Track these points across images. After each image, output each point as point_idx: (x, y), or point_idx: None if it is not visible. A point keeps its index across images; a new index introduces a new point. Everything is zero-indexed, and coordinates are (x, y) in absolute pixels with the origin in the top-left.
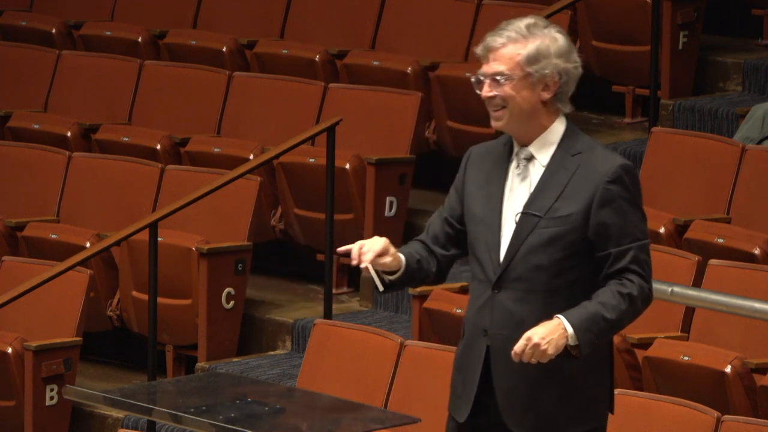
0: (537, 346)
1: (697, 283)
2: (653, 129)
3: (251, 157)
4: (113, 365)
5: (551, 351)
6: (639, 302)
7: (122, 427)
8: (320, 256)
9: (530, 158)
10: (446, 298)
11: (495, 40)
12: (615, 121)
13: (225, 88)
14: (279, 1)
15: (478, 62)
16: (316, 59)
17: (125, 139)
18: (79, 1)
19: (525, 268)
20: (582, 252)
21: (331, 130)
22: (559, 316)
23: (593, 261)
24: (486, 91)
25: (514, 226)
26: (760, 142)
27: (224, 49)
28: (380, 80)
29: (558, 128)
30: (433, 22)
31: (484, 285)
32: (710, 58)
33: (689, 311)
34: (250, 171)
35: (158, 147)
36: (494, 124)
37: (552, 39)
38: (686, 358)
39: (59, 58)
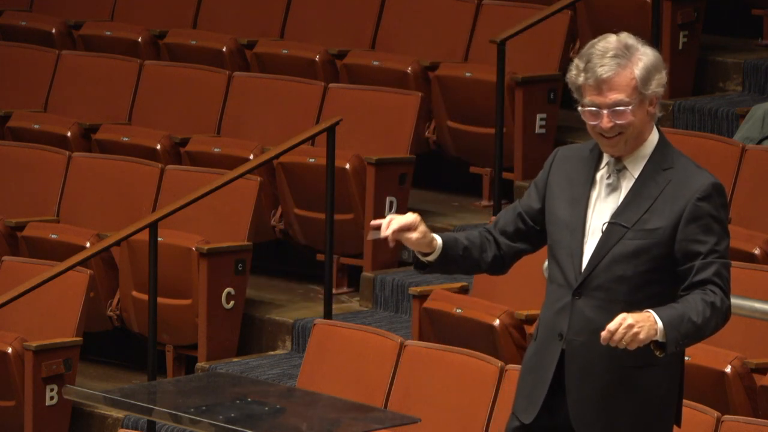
0: (631, 327)
1: None
2: None
3: (251, 157)
4: (113, 365)
5: (642, 336)
6: (720, 314)
7: (122, 427)
8: (320, 256)
9: (622, 169)
10: (446, 298)
11: (605, 70)
12: None
13: (225, 88)
14: (279, 1)
15: (478, 62)
16: (316, 59)
17: (125, 139)
18: (79, 1)
19: (607, 277)
20: (666, 268)
21: (331, 130)
22: (649, 310)
23: (675, 278)
24: (606, 123)
25: (599, 234)
26: (760, 142)
27: (224, 49)
28: (380, 80)
29: (652, 140)
30: (433, 22)
31: (563, 290)
32: (710, 58)
33: None
34: (250, 171)
35: (158, 147)
36: (609, 150)
37: (646, 54)
38: (686, 358)
39: (59, 58)
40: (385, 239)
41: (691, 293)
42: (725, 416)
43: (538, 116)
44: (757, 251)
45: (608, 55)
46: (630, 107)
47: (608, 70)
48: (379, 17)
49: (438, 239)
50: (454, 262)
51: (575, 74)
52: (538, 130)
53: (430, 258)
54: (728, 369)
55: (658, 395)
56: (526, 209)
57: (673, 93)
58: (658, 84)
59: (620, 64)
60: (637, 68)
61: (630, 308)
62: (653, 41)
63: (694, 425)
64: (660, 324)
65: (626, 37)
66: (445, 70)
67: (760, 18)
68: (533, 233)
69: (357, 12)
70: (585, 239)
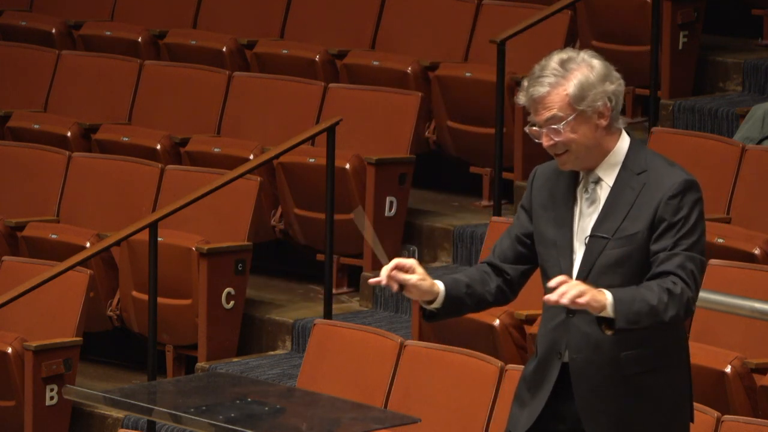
0: (576, 286)
1: None
2: (653, 129)
3: (251, 157)
4: (113, 365)
5: (586, 299)
6: (679, 303)
7: (122, 427)
8: (320, 256)
9: (598, 181)
10: None
11: (537, 90)
12: None
13: (225, 88)
14: (279, 1)
15: (478, 62)
16: (316, 59)
17: (125, 139)
18: (79, 1)
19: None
20: None
21: (331, 130)
22: (601, 289)
23: None
24: (546, 142)
25: (584, 249)
26: (760, 142)
27: (224, 49)
28: (380, 80)
29: (621, 147)
30: (433, 22)
31: (557, 307)
32: (710, 58)
33: None
34: (250, 171)
35: (158, 147)
36: (562, 167)
37: (589, 67)
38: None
39: (59, 58)
40: (389, 286)
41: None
42: (725, 416)
43: None
44: (757, 251)
45: (543, 75)
46: (563, 124)
47: (540, 90)
48: (379, 17)
49: (439, 283)
50: (461, 301)
51: (520, 95)
52: None
53: (435, 305)
54: (728, 369)
55: (670, 398)
56: (523, 231)
57: (673, 93)
58: (597, 98)
59: (552, 83)
60: (571, 85)
61: None
62: (653, 41)
63: (694, 425)
64: (609, 298)
65: (568, 53)
66: (445, 70)
67: (760, 18)
68: (535, 253)
69: (357, 12)
70: (573, 256)
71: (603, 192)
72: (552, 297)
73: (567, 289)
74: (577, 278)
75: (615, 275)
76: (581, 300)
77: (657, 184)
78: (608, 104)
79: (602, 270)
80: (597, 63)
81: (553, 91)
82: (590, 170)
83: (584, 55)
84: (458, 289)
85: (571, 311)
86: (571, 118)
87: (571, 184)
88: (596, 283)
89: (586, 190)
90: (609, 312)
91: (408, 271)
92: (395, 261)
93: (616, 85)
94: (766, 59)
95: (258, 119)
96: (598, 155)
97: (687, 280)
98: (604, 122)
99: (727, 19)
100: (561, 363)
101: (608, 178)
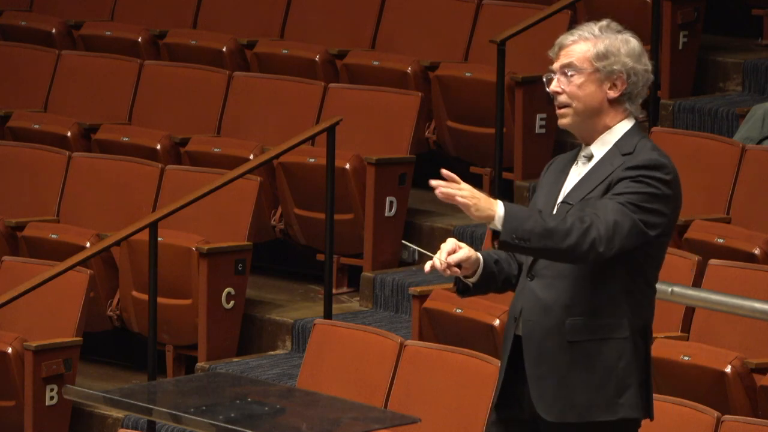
0: (461, 189)
1: (697, 283)
2: (653, 129)
3: (251, 157)
4: (113, 365)
5: (472, 208)
6: (581, 234)
7: (122, 427)
8: (320, 256)
9: (590, 156)
10: (446, 298)
11: (567, 38)
12: None
13: (225, 88)
14: (279, 1)
15: (478, 62)
16: (316, 59)
17: (125, 139)
18: (79, 1)
19: None
20: None
21: (331, 130)
22: (498, 200)
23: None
24: (554, 86)
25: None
26: (760, 142)
27: (224, 49)
28: (380, 80)
29: (620, 129)
30: (433, 22)
31: (523, 275)
32: (710, 58)
33: (689, 311)
34: (250, 171)
35: (158, 147)
36: (560, 122)
37: (624, 41)
38: (686, 358)
39: (59, 58)
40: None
41: None
42: (725, 416)
43: (538, 116)
44: (757, 251)
45: (578, 29)
46: (577, 73)
47: (569, 38)
48: (379, 17)
49: (479, 255)
50: (492, 277)
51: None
52: (538, 130)
53: (474, 278)
54: (728, 369)
55: (615, 369)
56: None
57: (673, 93)
58: (616, 65)
59: (583, 36)
60: (598, 45)
61: (577, 283)
62: (653, 41)
63: (694, 425)
64: (501, 211)
65: (611, 24)
66: (445, 70)
67: (760, 18)
68: None
69: (357, 12)
70: None
71: (590, 166)
72: (434, 182)
73: (449, 190)
74: None
75: None
76: (459, 198)
77: (631, 161)
78: (624, 77)
79: None
80: (633, 41)
81: (580, 43)
82: (587, 145)
83: (626, 33)
84: (490, 264)
85: (531, 275)
86: (584, 70)
87: (570, 163)
88: None
89: (577, 164)
90: (497, 224)
91: (455, 250)
92: (445, 248)
93: (642, 67)
94: (766, 59)
95: (258, 119)
96: (597, 127)
97: (599, 220)
98: (613, 94)
99: (727, 19)
100: (516, 334)
101: (598, 154)
